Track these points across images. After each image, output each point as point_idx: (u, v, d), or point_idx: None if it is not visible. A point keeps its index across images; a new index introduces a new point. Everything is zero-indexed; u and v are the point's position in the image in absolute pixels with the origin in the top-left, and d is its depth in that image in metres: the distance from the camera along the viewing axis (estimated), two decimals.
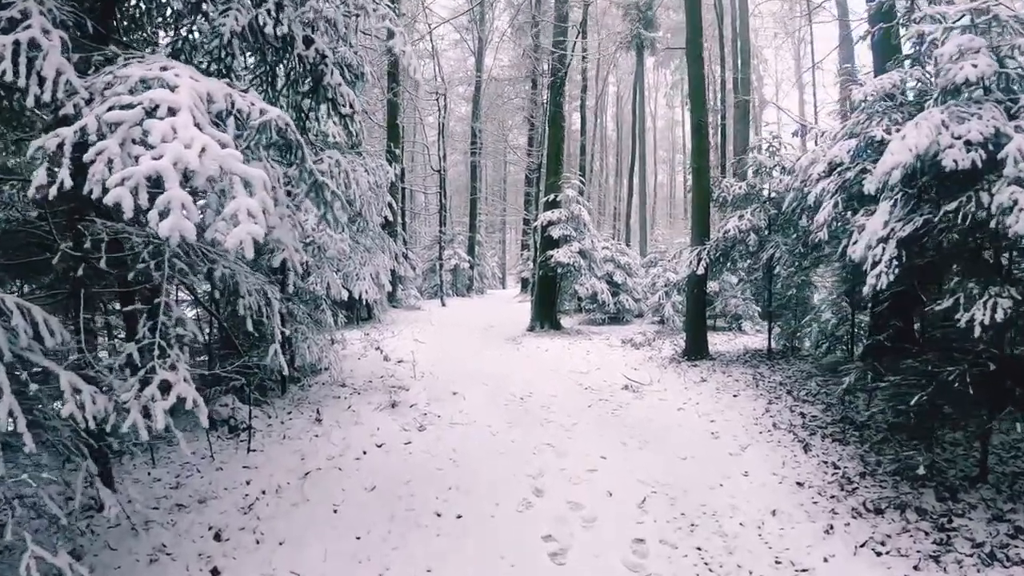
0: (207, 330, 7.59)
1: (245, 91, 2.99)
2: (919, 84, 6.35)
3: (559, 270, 14.56)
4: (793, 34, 33.35)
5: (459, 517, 4.06)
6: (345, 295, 6.77)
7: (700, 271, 9.30)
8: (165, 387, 2.74)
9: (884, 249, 4.27)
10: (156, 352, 2.74)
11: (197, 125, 2.37)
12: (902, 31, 7.97)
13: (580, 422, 6.28)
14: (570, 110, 25.90)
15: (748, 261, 10.03)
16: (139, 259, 3.30)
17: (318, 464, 5.00)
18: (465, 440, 5.55)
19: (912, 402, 3.94)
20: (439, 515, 4.09)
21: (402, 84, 19.33)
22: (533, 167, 22.56)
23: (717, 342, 11.37)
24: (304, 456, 5.24)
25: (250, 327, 3.52)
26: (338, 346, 7.24)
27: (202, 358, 7.58)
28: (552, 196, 14.93)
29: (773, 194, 9.80)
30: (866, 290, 4.16)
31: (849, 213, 5.40)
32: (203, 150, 2.13)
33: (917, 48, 6.76)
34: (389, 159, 18.23)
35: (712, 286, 12.38)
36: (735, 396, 7.50)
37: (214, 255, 3.35)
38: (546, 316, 14.52)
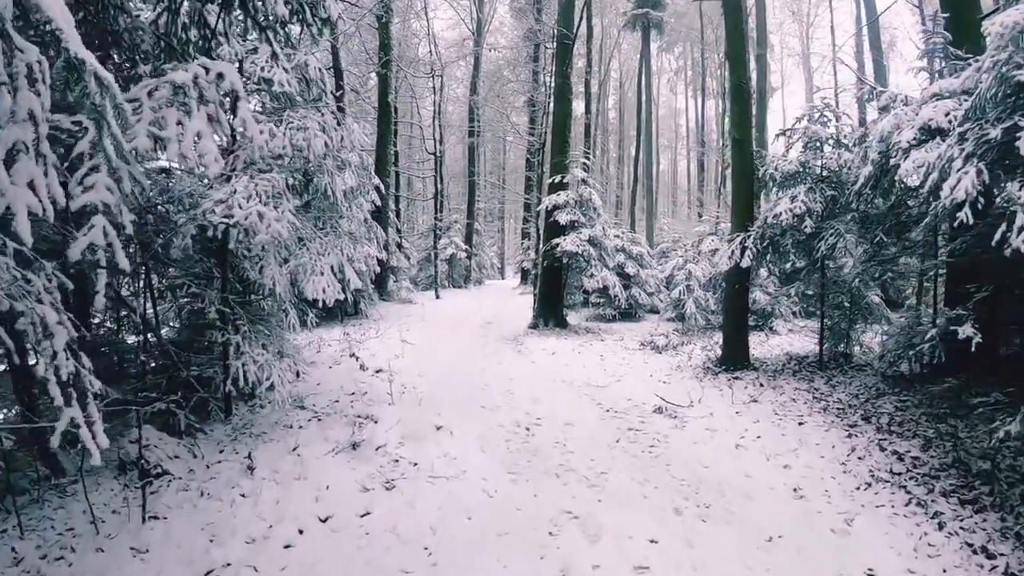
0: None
1: None
2: None
3: (566, 260, 12.81)
4: (802, 19, 31.51)
5: None
6: (291, 289, 5.12)
7: (744, 263, 7.61)
8: None
9: None
10: None
11: None
12: None
13: (610, 471, 4.60)
14: (573, 93, 24.25)
15: (794, 251, 8.39)
16: None
17: (228, 555, 3.33)
18: (450, 507, 3.86)
19: None
20: None
21: (393, 58, 17.53)
22: (534, 148, 20.86)
23: (750, 344, 9.71)
24: (215, 536, 3.57)
25: None
26: (288, 360, 5.54)
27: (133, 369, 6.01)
28: (558, 177, 13.15)
29: (826, 172, 8.17)
30: None
31: (1005, 185, 3.72)
32: None
33: None
34: (381, 134, 16.52)
35: None
36: (801, 424, 5.85)
37: None
38: (551, 312, 12.81)
